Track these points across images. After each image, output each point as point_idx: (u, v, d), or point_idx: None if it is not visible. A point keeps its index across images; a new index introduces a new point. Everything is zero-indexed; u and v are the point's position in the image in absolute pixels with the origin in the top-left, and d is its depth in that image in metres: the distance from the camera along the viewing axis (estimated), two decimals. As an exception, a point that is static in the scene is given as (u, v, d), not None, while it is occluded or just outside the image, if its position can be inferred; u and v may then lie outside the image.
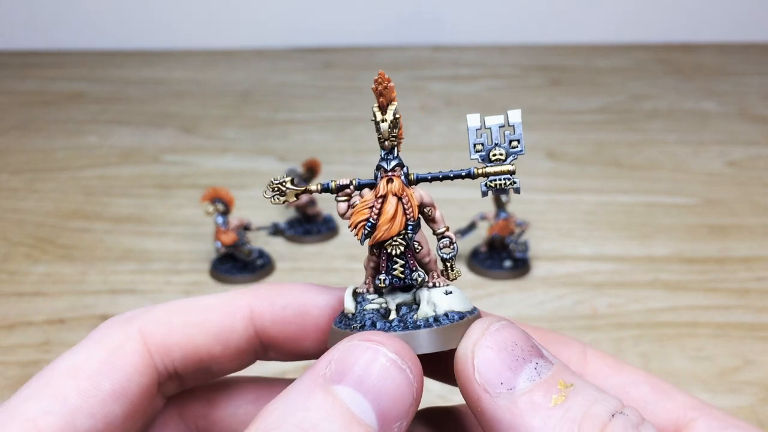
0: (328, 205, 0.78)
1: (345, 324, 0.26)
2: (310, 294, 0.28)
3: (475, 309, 0.26)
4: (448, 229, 0.27)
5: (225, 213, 0.67)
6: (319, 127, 1.07)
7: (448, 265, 0.27)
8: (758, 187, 0.86)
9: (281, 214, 0.79)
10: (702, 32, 1.47)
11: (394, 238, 0.26)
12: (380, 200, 0.26)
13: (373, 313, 0.26)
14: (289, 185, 0.27)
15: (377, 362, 0.22)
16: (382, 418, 0.22)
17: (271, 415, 0.21)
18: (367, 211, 0.26)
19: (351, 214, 0.26)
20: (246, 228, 0.69)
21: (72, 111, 1.14)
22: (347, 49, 1.46)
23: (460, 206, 0.77)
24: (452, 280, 0.27)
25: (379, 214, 0.25)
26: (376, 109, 0.26)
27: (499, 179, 0.27)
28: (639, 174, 0.90)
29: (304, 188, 0.27)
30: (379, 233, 0.25)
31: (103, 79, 1.30)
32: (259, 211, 0.80)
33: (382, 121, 0.26)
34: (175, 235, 0.76)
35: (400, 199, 0.26)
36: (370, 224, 0.26)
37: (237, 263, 0.69)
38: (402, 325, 0.25)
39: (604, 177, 0.89)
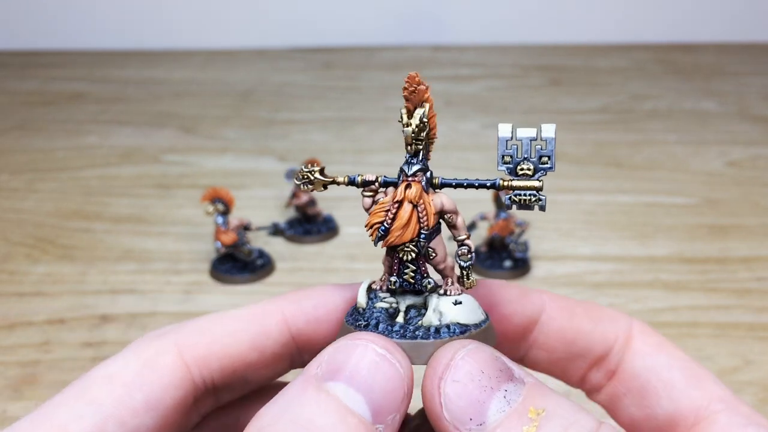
0: (328, 206, 0.78)
1: (354, 319, 0.26)
2: (336, 292, 0.28)
3: (484, 321, 0.26)
4: (468, 237, 0.27)
5: (225, 213, 0.67)
6: (319, 127, 1.07)
7: (465, 273, 0.27)
8: (758, 187, 0.86)
9: (281, 214, 0.79)
10: (702, 32, 1.47)
11: (406, 245, 0.26)
12: (396, 205, 0.26)
13: (381, 312, 0.26)
14: (317, 175, 0.28)
15: (367, 358, 0.23)
16: (376, 411, 0.22)
17: (265, 416, 0.22)
18: (383, 214, 0.26)
19: (370, 214, 0.26)
20: (246, 228, 0.69)
21: (72, 111, 1.14)
22: (347, 49, 1.46)
23: (459, 206, 0.77)
24: (467, 288, 0.27)
25: (393, 219, 0.26)
26: (403, 111, 0.26)
27: (525, 195, 0.26)
28: (639, 174, 0.90)
29: (332, 179, 0.28)
30: (392, 238, 0.26)
31: (103, 79, 1.30)
32: (259, 211, 0.80)
33: (407, 125, 0.26)
34: (175, 235, 0.76)
35: (415, 206, 0.26)
36: (383, 228, 0.26)
37: (237, 263, 0.69)
38: (401, 332, 0.25)
39: (604, 177, 0.89)
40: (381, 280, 0.28)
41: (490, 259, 0.70)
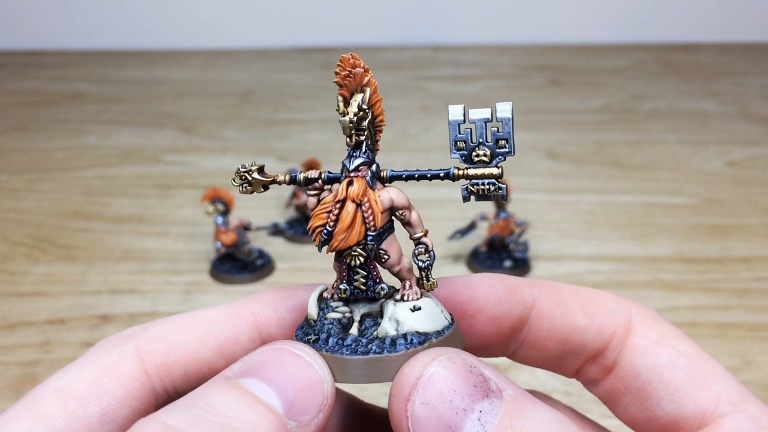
0: (328, 205, 0.78)
1: (304, 333, 0.24)
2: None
3: (447, 327, 0.24)
4: (426, 234, 0.24)
5: (225, 213, 0.67)
6: (319, 127, 1.07)
7: (424, 274, 0.24)
8: (758, 187, 0.86)
9: (281, 214, 0.79)
10: (702, 32, 1.47)
11: (353, 248, 0.23)
12: (338, 205, 0.23)
13: (333, 323, 0.24)
14: (255, 175, 0.25)
15: (282, 357, 0.22)
16: (288, 405, 0.21)
17: (167, 408, 0.20)
18: (325, 216, 0.23)
19: (311, 216, 0.24)
20: (246, 228, 0.69)
21: (72, 111, 1.14)
22: (347, 49, 1.46)
23: (459, 206, 0.77)
24: (428, 291, 0.25)
25: (335, 221, 0.23)
26: (339, 99, 0.23)
27: (483, 184, 0.23)
28: (639, 174, 0.90)
29: (271, 179, 0.25)
30: (335, 242, 0.23)
31: (103, 79, 1.30)
32: (259, 211, 0.80)
33: (343, 114, 0.23)
34: (175, 235, 0.76)
35: (359, 205, 0.23)
36: (326, 231, 0.23)
37: (237, 263, 0.69)
38: (353, 346, 0.23)
39: (604, 177, 0.89)
40: (332, 287, 0.25)
41: (490, 259, 0.70)
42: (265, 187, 0.25)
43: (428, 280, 0.24)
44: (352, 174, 0.23)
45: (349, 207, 0.23)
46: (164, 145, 1.01)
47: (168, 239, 0.75)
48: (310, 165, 0.75)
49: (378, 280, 0.24)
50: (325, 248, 0.24)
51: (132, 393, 0.23)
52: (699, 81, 1.26)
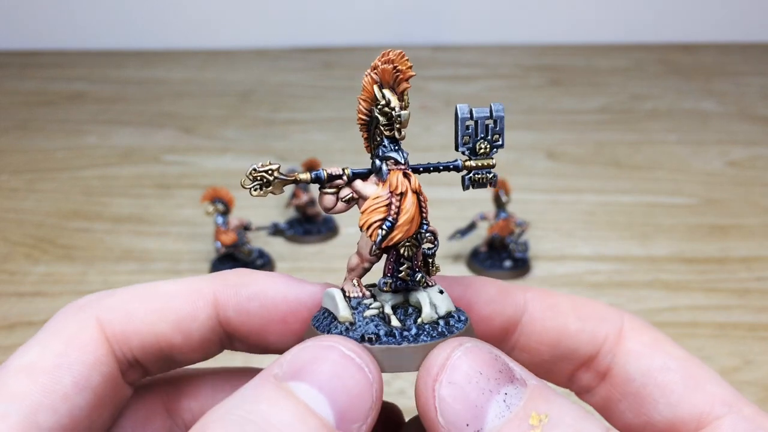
0: (328, 205, 0.78)
1: (348, 335, 0.23)
2: (280, 286, 0.26)
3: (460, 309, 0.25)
4: (429, 223, 0.25)
5: (225, 213, 0.67)
6: (319, 127, 1.07)
7: (430, 261, 0.25)
8: (758, 187, 0.86)
9: (281, 214, 0.79)
10: (702, 32, 1.47)
11: (408, 239, 0.24)
12: (398, 197, 0.23)
13: (374, 319, 0.24)
14: (277, 174, 0.24)
15: (333, 359, 0.21)
16: (340, 415, 0.20)
17: (216, 411, 0.20)
18: (384, 209, 0.23)
19: (363, 212, 0.24)
20: (246, 228, 0.69)
21: (72, 111, 1.14)
22: (347, 49, 1.46)
23: (460, 206, 0.77)
24: (433, 275, 0.26)
25: (397, 213, 0.23)
26: (390, 95, 0.23)
27: (482, 173, 0.25)
28: (639, 174, 0.90)
29: (294, 177, 0.24)
30: (399, 234, 0.23)
31: (103, 79, 1.30)
32: (259, 211, 0.80)
33: (404, 108, 0.23)
34: (175, 235, 0.76)
35: (419, 196, 0.24)
36: (389, 224, 0.23)
37: (237, 263, 0.69)
38: (406, 336, 0.23)
39: (604, 177, 0.89)
40: (355, 285, 0.25)
41: (490, 259, 0.69)
42: (284, 186, 0.25)
43: (433, 266, 0.26)
44: (404, 167, 0.24)
45: (411, 198, 0.23)
46: (164, 145, 1.01)
47: (168, 239, 0.75)
48: (310, 165, 0.75)
49: (417, 269, 0.25)
50: (383, 243, 0.24)
51: (100, 359, 0.24)
52: (699, 81, 1.26)
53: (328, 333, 0.24)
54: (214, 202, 0.66)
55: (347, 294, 0.25)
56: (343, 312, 0.24)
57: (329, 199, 0.24)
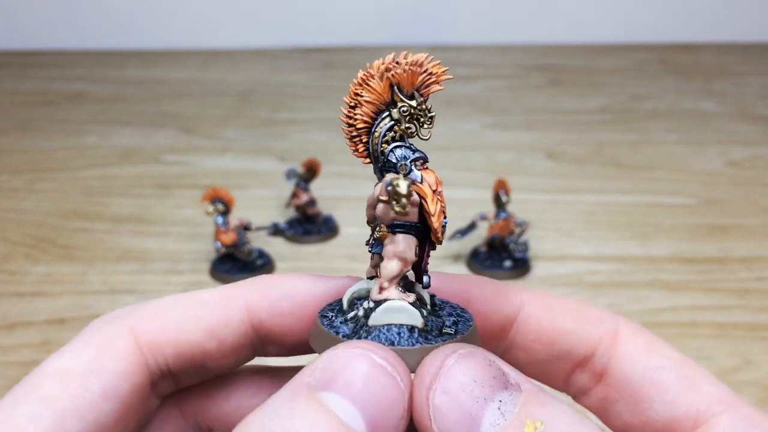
0: (328, 206, 0.78)
1: (422, 339, 0.23)
2: (307, 284, 0.26)
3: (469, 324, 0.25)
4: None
5: (225, 213, 0.67)
6: (319, 127, 1.07)
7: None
8: (758, 187, 0.86)
9: (281, 214, 0.79)
10: (702, 32, 1.47)
11: None
12: (439, 194, 0.24)
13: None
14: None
15: (365, 368, 0.21)
16: (372, 427, 0.20)
17: (250, 424, 0.20)
18: (440, 207, 0.23)
19: (435, 213, 0.23)
20: (246, 228, 0.69)
21: (72, 111, 1.14)
22: (347, 49, 1.46)
23: (460, 206, 0.77)
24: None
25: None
26: (419, 96, 0.23)
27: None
28: (639, 174, 0.90)
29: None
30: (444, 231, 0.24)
31: (103, 79, 1.30)
32: (259, 211, 0.80)
33: (430, 110, 0.24)
34: (175, 235, 0.76)
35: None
36: (446, 222, 0.23)
37: (237, 263, 0.69)
38: (431, 332, 0.23)
39: (604, 177, 0.89)
40: (401, 291, 0.24)
41: (490, 259, 0.69)
42: None
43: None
44: (428, 165, 0.24)
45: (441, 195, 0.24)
46: (164, 145, 1.01)
47: (168, 239, 0.75)
48: (311, 165, 0.75)
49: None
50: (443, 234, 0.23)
51: (131, 369, 0.24)
52: (699, 81, 1.26)
53: (337, 334, 0.23)
54: (214, 202, 0.66)
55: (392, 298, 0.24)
56: (417, 321, 0.23)
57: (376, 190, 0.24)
